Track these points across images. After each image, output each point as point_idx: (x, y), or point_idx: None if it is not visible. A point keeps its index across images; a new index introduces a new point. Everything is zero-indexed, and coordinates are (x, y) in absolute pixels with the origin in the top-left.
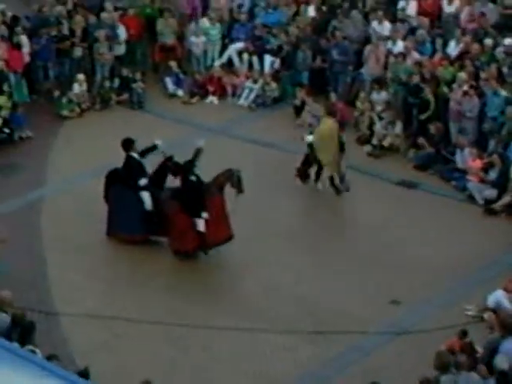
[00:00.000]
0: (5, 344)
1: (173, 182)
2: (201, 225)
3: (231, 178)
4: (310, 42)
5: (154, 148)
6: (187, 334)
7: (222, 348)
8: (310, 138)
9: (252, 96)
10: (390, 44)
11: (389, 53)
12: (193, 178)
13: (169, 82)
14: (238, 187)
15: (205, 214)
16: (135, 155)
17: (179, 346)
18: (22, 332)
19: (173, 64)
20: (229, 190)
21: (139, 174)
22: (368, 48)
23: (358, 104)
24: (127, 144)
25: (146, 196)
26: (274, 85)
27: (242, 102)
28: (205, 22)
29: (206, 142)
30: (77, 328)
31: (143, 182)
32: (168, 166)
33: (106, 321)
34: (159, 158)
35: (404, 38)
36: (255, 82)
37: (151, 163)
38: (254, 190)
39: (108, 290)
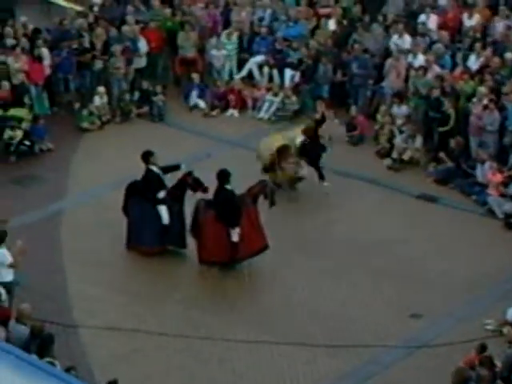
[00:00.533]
0: (24, 356)
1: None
2: (235, 235)
3: (264, 189)
4: (331, 55)
5: (177, 168)
6: (206, 347)
7: (240, 361)
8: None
9: (272, 109)
10: (410, 58)
11: (409, 66)
12: (228, 187)
13: (192, 94)
14: (271, 199)
15: (237, 229)
16: (154, 168)
17: (198, 358)
18: (40, 344)
19: (195, 76)
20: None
21: (158, 188)
22: (389, 62)
23: (379, 117)
24: (146, 156)
25: (163, 210)
26: (294, 98)
27: (262, 115)
28: (223, 37)
29: (226, 155)
30: (96, 340)
31: (162, 194)
32: (187, 180)
33: (126, 333)
34: (179, 172)
35: (425, 52)
36: (276, 95)
37: (171, 177)
38: (278, 203)
39: (127, 303)
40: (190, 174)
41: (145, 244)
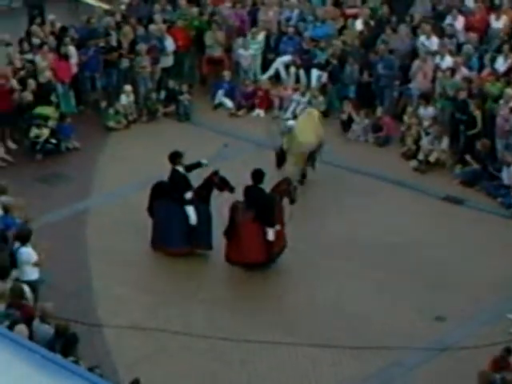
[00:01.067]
0: (49, 355)
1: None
2: (271, 234)
3: (290, 187)
4: (358, 55)
5: (198, 165)
6: (229, 348)
7: (263, 362)
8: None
9: (299, 109)
10: (438, 59)
11: (437, 68)
12: (262, 187)
13: (219, 93)
14: (293, 196)
15: (278, 227)
16: (181, 169)
17: (221, 359)
18: (65, 343)
19: (226, 74)
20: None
21: (185, 188)
22: (416, 63)
23: (405, 119)
24: (175, 157)
25: (190, 210)
26: (321, 98)
27: (288, 115)
28: (249, 36)
29: (252, 155)
30: (120, 340)
31: (189, 195)
32: (214, 180)
33: (150, 333)
34: (205, 171)
35: (452, 54)
36: (303, 95)
37: (197, 177)
38: (300, 202)
39: (152, 303)
40: (216, 173)
41: (171, 246)
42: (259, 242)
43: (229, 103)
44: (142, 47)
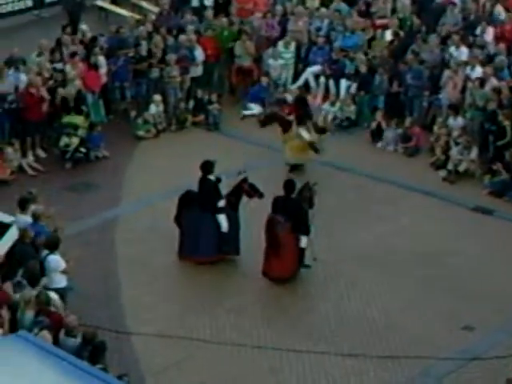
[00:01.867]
0: (77, 362)
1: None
2: (304, 242)
3: (311, 191)
4: (387, 66)
5: (219, 181)
6: (257, 356)
7: (291, 371)
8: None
9: (328, 119)
10: (468, 69)
11: (467, 78)
12: (294, 196)
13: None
14: (312, 201)
15: (311, 235)
16: (212, 177)
17: (249, 367)
18: (92, 351)
19: (264, 80)
20: None
21: (216, 196)
22: (446, 73)
23: (435, 129)
24: (207, 166)
25: (222, 218)
26: (352, 107)
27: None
28: (280, 46)
29: (280, 165)
30: (148, 348)
31: (222, 203)
32: (243, 187)
33: (178, 341)
34: (234, 180)
35: (482, 64)
36: (332, 104)
37: (225, 184)
38: (329, 212)
39: (180, 311)
40: (245, 180)
41: (200, 254)
42: (294, 253)
43: (255, 108)
44: (171, 57)
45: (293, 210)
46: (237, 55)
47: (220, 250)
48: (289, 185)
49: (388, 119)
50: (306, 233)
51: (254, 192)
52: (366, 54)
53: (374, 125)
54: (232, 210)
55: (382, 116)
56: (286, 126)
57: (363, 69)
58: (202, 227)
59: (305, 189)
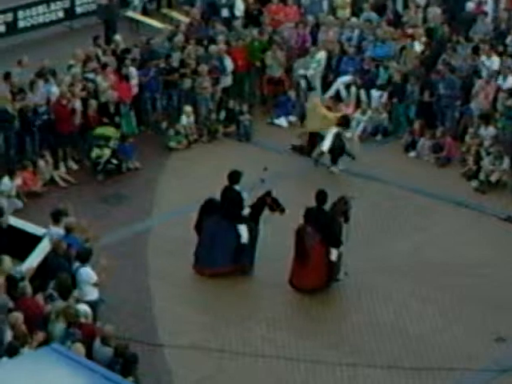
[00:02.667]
0: (109, 375)
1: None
2: (334, 254)
3: (346, 204)
4: (419, 75)
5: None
6: (290, 368)
7: (323, 382)
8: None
9: (360, 127)
10: (500, 79)
11: (498, 88)
12: (325, 208)
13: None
14: (347, 215)
15: (343, 248)
16: (237, 188)
17: (282, 379)
18: (124, 363)
19: (291, 92)
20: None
21: (239, 206)
22: (478, 83)
23: (467, 139)
24: (234, 176)
25: (243, 229)
26: (384, 115)
27: (348, 134)
28: (311, 55)
29: (312, 174)
30: (181, 360)
31: (246, 211)
32: (266, 200)
33: (210, 353)
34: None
35: None
36: (363, 113)
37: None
38: (362, 223)
39: (212, 323)
40: (269, 193)
41: (215, 266)
42: (324, 265)
43: (284, 123)
44: (203, 68)
45: (324, 222)
46: (268, 65)
47: (236, 261)
48: (320, 196)
49: (424, 129)
50: (337, 246)
51: (277, 206)
52: (397, 63)
53: (408, 135)
54: (253, 222)
55: (420, 126)
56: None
57: (397, 77)
58: (220, 236)
59: (340, 202)
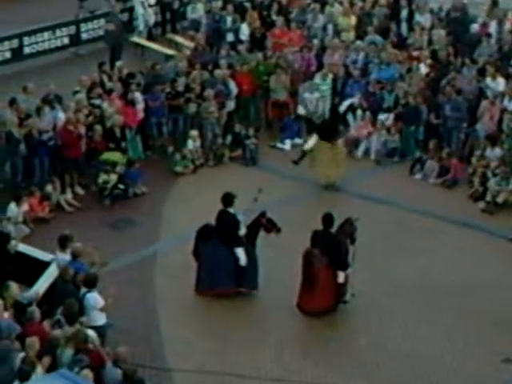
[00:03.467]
0: None
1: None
2: (342, 277)
3: (352, 226)
4: (425, 97)
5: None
6: None
7: None
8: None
9: (373, 149)
10: (506, 101)
11: (504, 109)
12: (332, 230)
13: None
14: (354, 237)
15: (350, 269)
16: (231, 211)
17: None
18: None
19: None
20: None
21: (235, 229)
22: (483, 104)
23: (473, 160)
24: (228, 199)
25: (240, 252)
26: (396, 136)
27: (360, 155)
28: (317, 78)
29: (319, 199)
30: None
31: (242, 232)
32: (261, 222)
33: (219, 377)
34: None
35: None
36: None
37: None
38: (369, 245)
39: (220, 347)
40: (263, 214)
41: (217, 286)
42: (331, 288)
43: (288, 146)
44: (209, 92)
45: (331, 245)
46: (272, 89)
47: (239, 285)
48: (327, 219)
49: (436, 149)
50: (344, 268)
51: (272, 226)
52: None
53: (424, 156)
54: (249, 244)
55: (434, 145)
56: None
57: (406, 99)
58: (220, 260)
59: (346, 224)
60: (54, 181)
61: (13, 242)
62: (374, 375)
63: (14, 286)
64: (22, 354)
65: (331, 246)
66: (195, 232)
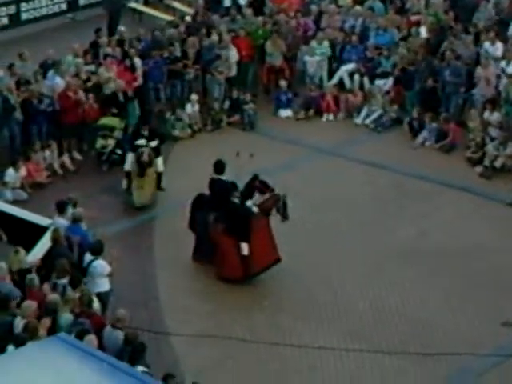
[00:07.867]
0: (116, 363)
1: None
2: (245, 249)
3: (277, 203)
4: (423, 62)
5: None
6: (296, 354)
7: (331, 369)
8: None
9: (373, 117)
10: (503, 64)
11: (502, 73)
12: (236, 200)
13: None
14: (284, 213)
15: (245, 245)
16: (224, 178)
17: (288, 366)
18: (132, 352)
19: (283, 84)
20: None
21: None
22: (478, 69)
23: (470, 124)
24: (220, 166)
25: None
26: (395, 106)
27: (359, 121)
28: (313, 43)
29: (318, 162)
30: (188, 348)
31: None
32: (255, 184)
33: (217, 341)
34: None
35: None
36: (370, 103)
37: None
38: (368, 210)
39: (218, 311)
40: (256, 177)
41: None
42: (235, 257)
43: (289, 112)
44: (222, 53)
45: (230, 213)
46: (268, 53)
47: None
48: (217, 165)
49: (421, 117)
50: (241, 239)
51: (266, 188)
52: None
53: (415, 121)
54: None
55: (418, 113)
56: None
57: (403, 64)
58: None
59: (270, 200)
60: (52, 145)
61: None
62: (373, 338)
63: (22, 253)
64: (23, 321)
65: (231, 214)
66: (190, 204)
